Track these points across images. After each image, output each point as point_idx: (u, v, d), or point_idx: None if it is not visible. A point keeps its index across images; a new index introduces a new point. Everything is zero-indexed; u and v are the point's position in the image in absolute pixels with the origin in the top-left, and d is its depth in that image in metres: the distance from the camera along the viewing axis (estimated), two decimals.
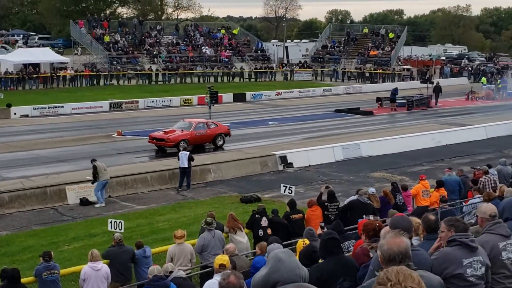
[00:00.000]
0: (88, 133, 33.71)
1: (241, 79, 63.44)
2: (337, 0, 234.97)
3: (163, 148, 28.73)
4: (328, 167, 27.16)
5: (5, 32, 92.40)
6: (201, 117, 33.15)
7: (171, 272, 10.76)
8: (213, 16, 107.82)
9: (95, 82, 56.02)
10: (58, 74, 54.76)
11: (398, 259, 4.36)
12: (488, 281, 5.69)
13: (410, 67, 70.55)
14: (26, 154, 28.01)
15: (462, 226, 5.86)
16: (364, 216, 13.91)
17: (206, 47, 67.09)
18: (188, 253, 12.84)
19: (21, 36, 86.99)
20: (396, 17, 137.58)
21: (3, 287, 11.12)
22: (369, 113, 42.80)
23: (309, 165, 27.20)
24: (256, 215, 14.81)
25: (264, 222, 14.59)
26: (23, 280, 11.75)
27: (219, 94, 38.38)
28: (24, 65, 53.84)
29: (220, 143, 30.04)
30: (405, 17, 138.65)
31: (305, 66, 68.98)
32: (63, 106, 41.45)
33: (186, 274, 11.81)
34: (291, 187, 18.07)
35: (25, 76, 52.19)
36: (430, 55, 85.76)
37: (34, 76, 52.92)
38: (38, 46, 71.49)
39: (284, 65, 70.20)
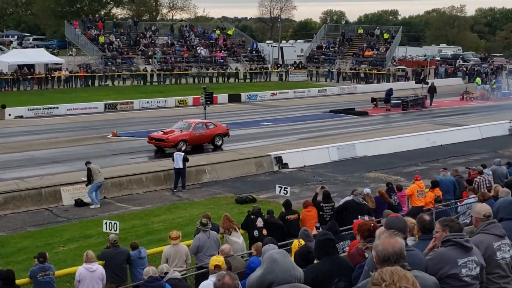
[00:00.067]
0: (83, 134, 33.65)
1: (236, 80, 63.44)
2: (332, 0, 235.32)
3: (163, 148, 28.75)
4: (323, 167, 27.18)
5: None
6: (197, 118, 33.13)
7: (166, 273, 10.75)
8: (208, 17, 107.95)
9: (90, 83, 55.97)
10: (52, 75, 54.67)
11: (393, 260, 4.36)
12: (483, 281, 5.70)
13: (405, 67, 70.61)
14: (21, 155, 27.95)
15: (456, 226, 5.87)
16: (359, 216, 13.90)
17: (201, 48, 67.06)
18: (183, 254, 12.83)
19: (16, 37, 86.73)
20: (390, 17, 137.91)
21: None
22: (364, 114, 42.85)
23: (304, 166, 27.21)
24: (252, 216, 14.81)
25: (260, 222, 14.59)
26: (18, 281, 11.72)
27: (214, 95, 38.36)
28: (19, 66, 53.74)
29: (219, 143, 30.19)
30: (399, 18, 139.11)
31: (300, 66, 69.03)
32: (58, 107, 41.38)
33: (182, 275, 11.80)
34: (286, 188, 18.07)
35: (19, 77, 52.08)
36: (424, 56, 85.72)
37: (29, 77, 52.82)
38: (33, 47, 71.32)
39: (279, 65, 70.21)
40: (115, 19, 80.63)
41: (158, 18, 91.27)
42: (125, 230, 17.37)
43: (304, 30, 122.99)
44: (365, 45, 72.49)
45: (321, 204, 15.62)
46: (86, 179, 21.29)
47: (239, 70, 64.69)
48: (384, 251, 4.42)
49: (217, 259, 9.37)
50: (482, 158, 27.45)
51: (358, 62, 69.10)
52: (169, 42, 66.95)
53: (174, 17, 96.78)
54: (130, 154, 28.75)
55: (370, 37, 74.50)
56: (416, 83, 50.96)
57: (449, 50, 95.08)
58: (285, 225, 14.73)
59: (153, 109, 44.59)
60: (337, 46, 73.82)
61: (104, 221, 15.38)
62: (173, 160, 23.18)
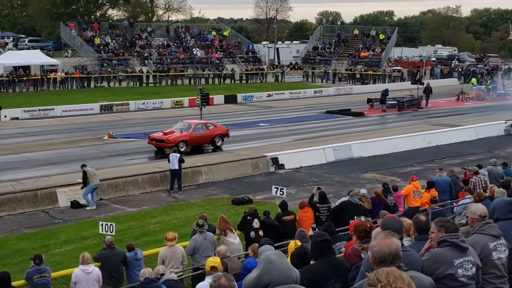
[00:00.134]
0: (79, 136, 33.62)
1: (232, 81, 63.44)
2: (327, 1, 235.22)
3: (163, 149, 28.77)
4: (320, 168, 27.19)
5: None
6: (193, 119, 33.10)
7: (162, 274, 10.74)
8: (203, 18, 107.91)
9: (85, 84, 55.92)
10: (48, 76, 54.61)
11: (388, 260, 4.36)
12: (479, 281, 5.70)
13: (401, 68, 70.79)
14: (17, 157, 27.90)
15: (452, 227, 5.87)
16: (355, 217, 13.90)
17: (197, 49, 67.04)
18: (179, 256, 12.82)
19: (11, 38, 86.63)
20: (386, 18, 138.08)
21: None
22: (360, 114, 42.89)
23: (301, 167, 27.22)
24: (248, 217, 14.80)
25: (256, 223, 14.59)
26: (14, 283, 11.69)
27: (210, 96, 38.40)
28: (14, 67, 53.68)
29: (219, 144, 30.34)
30: (395, 19, 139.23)
31: (296, 67, 69.05)
32: (53, 109, 41.34)
33: (178, 276, 11.79)
34: (283, 189, 18.06)
35: (15, 78, 52.01)
36: (420, 56, 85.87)
37: (25, 78, 52.75)
38: (28, 49, 71.29)
39: (275, 66, 70.24)
40: (110, 21, 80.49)
41: (153, 20, 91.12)
42: (121, 232, 17.36)
43: (300, 31, 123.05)
44: (360, 46, 72.57)
45: (318, 205, 15.61)
46: (81, 181, 21.27)
47: (235, 71, 64.70)
48: (380, 251, 4.42)
49: (213, 260, 9.36)
50: (478, 159, 27.50)
51: (354, 63, 69.16)
52: (165, 43, 66.94)
53: (169, 18, 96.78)
54: (126, 155, 28.73)
55: (366, 38, 74.60)
56: (411, 83, 51.06)
57: (444, 51, 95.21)
58: (281, 226, 14.72)
59: (149, 110, 44.56)
60: (333, 47, 73.91)
61: (100, 223, 15.35)
62: (169, 161, 23.17)
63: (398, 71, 68.21)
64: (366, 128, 37.34)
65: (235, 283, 4.73)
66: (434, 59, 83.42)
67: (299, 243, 9.95)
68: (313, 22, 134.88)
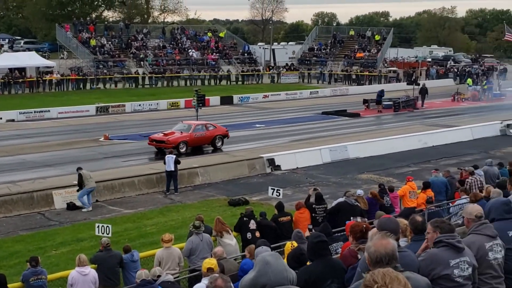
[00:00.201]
0: (75, 137, 33.56)
1: (228, 82, 63.46)
2: (323, 2, 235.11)
3: (163, 150, 28.73)
4: (316, 169, 27.19)
5: None
6: (189, 120, 33.07)
7: (159, 276, 10.73)
8: (199, 19, 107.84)
9: (81, 86, 55.87)
10: (44, 78, 54.54)
11: (385, 261, 4.37)
12: (475, 282, 5.71)
13: (396, 69, 70.87)
14: (12, 159, 27.84)
15: (447, 227, 5.88)
16: (351, 218, 13.91)
17: (193, 50, 67.04)
18: (176, 257, 12.81)
19: (7, 40, 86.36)
20: (382, 19, 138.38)
21: None
22: (356, 115, 42.91)
23: (297, 168, 27.21)
24: (244, 218, 14.80)
25: (252, 225, 14.58)
26: (10, 286, 11.68)
27: (206, 97, 38.41)
28: (10, 69, 53.60)
29: (219, 144, 30.37)
30: (391, 19, 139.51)
31: (292, 68, 69.09)
32: (49, 111, 41.27)
33: (174, 278, 11.78)
34: (279, 190, 18.06)
35: (11, 80, 51.93)
36: (416, 57, 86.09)
37: (20, 80, 52.69)
38: (24, 51, 71.07)
39: (271, 67, 70.26)
40: (106, 22, 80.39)
41: (149, 21, 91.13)
42: (117, 233, 17.34)
43: (295, 32, 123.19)
44: (356, 46, 72.65)
45: (314, 205, 15.62)
46: (77, 185, 21.22)
47: (231, 72, 64.73)
48: (376, 252, 4.42)
49: (210, 262, 9.35)
50: (474, 159, 27.56)
51: (349, 63, 69.23)
52: (161, 45, 66.92)
53: (165, 20, 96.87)
54: (122, 157, 28.68)
55: (362, 38, 74.68)
56: (407, 84, 51.11)
57: (440, 51, 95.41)
58: (278, 227, 14.72)
59: (145, 111, 44.52)
60: (328, 48, 73.96)
61: (97, 225, 15.34)
62: (165, 163, 23.14)
63: (394, 71, 68.28)
64: (362, 129, 37.36)
65: (232, 284, 4.73)
66: (429, 59, 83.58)
67: (295, 244, 9.96)
68: (308, 23, 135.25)
